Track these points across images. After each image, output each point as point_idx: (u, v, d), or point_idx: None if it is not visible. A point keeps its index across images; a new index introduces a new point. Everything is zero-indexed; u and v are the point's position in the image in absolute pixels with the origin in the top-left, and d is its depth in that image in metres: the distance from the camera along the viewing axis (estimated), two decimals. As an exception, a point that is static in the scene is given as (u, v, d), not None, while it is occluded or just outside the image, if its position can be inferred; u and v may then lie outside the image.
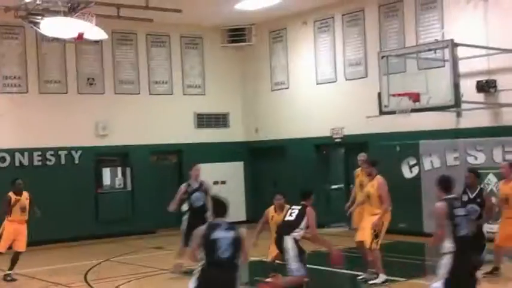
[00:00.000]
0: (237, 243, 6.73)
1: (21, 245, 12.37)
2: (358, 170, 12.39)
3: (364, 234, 10.73)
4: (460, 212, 7.37)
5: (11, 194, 12.42)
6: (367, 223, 10.74)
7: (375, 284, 10.63)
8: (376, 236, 10.58)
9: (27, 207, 12.47)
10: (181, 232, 11.90)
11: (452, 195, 7.50)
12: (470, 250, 7.40)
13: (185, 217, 12.08)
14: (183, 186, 12.32)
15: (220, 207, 6.97)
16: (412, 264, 12.00)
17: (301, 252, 9.64)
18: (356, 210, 11.81)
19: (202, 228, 6.83)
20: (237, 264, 6.75)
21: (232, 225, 6.83)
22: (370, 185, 10.84)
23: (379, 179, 10.80)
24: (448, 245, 7.32)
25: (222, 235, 6.68)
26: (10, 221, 12.32)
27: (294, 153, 18.42)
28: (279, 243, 9.81)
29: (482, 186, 10.36)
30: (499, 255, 10.96)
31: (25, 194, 12.54)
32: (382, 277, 10.64)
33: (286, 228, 9.74)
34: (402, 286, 10.70)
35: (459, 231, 7.28)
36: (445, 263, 7.33)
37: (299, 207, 9.86)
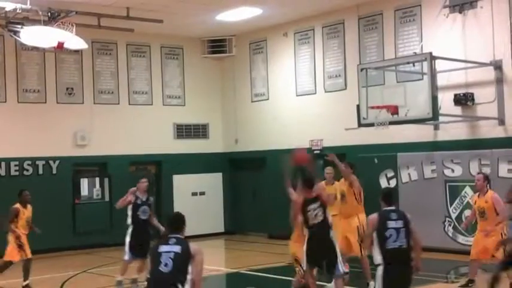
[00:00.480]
0: (181, 259, 6.48)
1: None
2: (323, 183, 12.31)
3: (353, 248, 10.78)
4: (392, 224, 7.41)
5: (18, 206, 12.08)
6: (346, 231, 10.90)
7: None
8: (362, 241, 10.52)
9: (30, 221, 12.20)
10: (127, 245, 11.80)
11: (390, 208, 7.60)
12: (402, 264, 7.41)
13: (129, 230, 11.92)
14: (132, 189, 12.08)
15: (176, 221, 6.84)
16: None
17: None
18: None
19: (155, 243, 6.78)
20: (180, 280, 6.44)
21: (182, 241, 6.62)
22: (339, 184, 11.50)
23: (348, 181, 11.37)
24: (377, 257, 7.43)
25: (167, 249, 6.54)
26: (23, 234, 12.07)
27: (273, 165, 18.39)
28: (323, 245, 9.02)
29: None
30: (474, 268, 11.02)
31: (29, 207, 12.26)
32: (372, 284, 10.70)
33: (325, 228, 9.05)
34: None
35: (389, 243, 7.35)
36: (377, 275, 7.46)
37: (317, 203, 9.02)
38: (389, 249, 7.31)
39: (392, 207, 7.63)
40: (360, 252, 10.65)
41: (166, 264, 6.44)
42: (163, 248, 6.56)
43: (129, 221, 11.92)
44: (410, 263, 7.44)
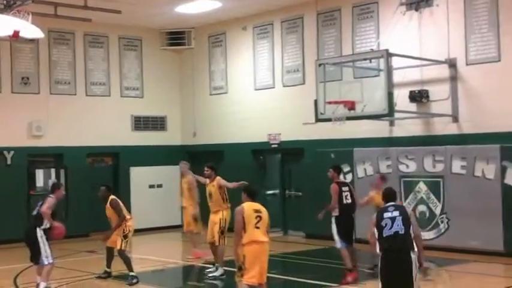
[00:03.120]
0: None
1: None
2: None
3: (213, 233, 12.04)
4: (388, 214, 7.65)
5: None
6: (213, 223, 12.13)
7: (214, 276, 11.91)
8: (222, 232, 12.00)
9: None
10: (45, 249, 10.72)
11: (389, 204, 7.87)
12: (399, 250, 7.51)
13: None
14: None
15: None
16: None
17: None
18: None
19: None
20: None
21: None
22: (211, 185, 12.26)
23: (219, 180, 12.22)
24: (378, 248, 7.65)
25: None
26: None
27: (231, 158, 18.47)
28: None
29: None
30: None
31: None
32: (220, 270, 11.95)
33: None
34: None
35: (385, 231, 7.55)
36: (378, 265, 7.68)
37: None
38: (385, 236, 7.52)
39: (391, 203, 7.88)
40: (218, 241, 11.97)
41: None
42: None
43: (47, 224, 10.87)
44: (409, 251, 7.49)
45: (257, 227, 8.49)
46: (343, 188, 11.45)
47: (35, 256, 10.73)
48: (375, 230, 7.71)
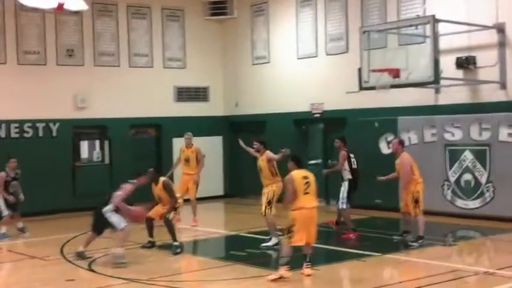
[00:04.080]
0: None
1: None
2: (183, 147, 15.15)
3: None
4: None
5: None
6: (263, 195, 12.02)
7: (267, 246, 11.72)
8: (269, 203, 11.80)
9: None
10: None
11: None
12: None
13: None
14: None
15: None
16: (387, 239, 12.09)
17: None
18: (182, 179, 14.94)
19: None
20: None
21: None
22: (260, 159, 12.17)
23: (267, 153, 12.09)
24: None
25: None
26: None
27: (274, 128, 18.35)
28: None
29: None
30: (404, 220, 12.13)
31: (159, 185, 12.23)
32: (274, 240, 11.75)
33: None
34: (377, 260, 10.76)
35: None
36: None
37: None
38: None
39: None
40: (265, 211, 11.80)
41: None
42: None
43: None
44: None
45: (306, 193, 8.98)
46: (351, 155, 12.73)
47: (98, 227, 11.23)
48: None
